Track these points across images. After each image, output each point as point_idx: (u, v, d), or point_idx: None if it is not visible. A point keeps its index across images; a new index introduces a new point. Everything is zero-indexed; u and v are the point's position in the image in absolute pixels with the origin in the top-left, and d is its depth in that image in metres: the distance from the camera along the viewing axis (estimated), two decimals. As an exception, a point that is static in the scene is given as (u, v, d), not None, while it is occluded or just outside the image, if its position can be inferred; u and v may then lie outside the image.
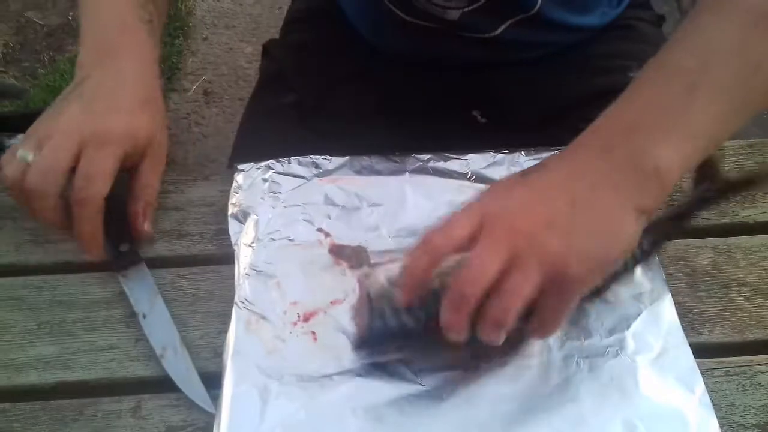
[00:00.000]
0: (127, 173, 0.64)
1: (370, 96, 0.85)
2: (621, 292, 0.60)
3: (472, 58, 0.82)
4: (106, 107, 0.63)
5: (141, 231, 0.64)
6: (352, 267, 0.62)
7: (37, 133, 0.62)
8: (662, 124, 0.50)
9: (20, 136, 1.69)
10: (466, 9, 0.75)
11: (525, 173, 0.52)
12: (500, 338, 0.48)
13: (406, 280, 0.51)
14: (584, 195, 0.49)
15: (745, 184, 0.61)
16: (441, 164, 0.69)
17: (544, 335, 0.54)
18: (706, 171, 0.60)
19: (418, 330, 0.52)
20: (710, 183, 0.60)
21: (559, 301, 0.49)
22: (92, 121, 0.61)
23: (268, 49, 0.95)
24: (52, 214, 0.60)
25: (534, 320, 0.50)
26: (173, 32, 2.10)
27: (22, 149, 0.60)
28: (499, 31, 0.78)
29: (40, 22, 2.18)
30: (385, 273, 0.55)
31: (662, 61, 0.54)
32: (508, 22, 0.77)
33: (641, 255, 0.58)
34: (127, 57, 0.66)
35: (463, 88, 0.84)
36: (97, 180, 0.59)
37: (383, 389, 0.55)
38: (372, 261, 0.62)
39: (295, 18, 0.95)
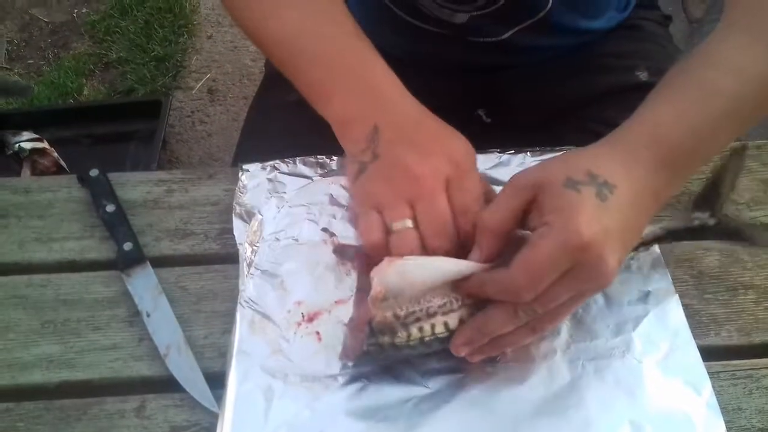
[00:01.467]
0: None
1: None
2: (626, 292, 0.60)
3: (479, 62, 0.82)
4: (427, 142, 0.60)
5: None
6: (356, 267, 0.62)
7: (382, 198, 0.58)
8: (695, 153, 0.54)
9: (25, 134, 1.70)
10: (474, 13, 0.74)
11: (602, 193, 0.50)
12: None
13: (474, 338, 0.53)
14: (638, 223, 0.53)
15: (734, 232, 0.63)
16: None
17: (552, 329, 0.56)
18: (710, 200, 0.62)
19: (412, 357, 0.55)
20: (709, 213, 0.62)
21: (580, 303, 0.53)
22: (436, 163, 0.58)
23: None
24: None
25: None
26: (177, 30, 2.11)
27: (400, 222, 0.56)
28: (506, 35, 0.77)
29: (45, 20, 2.18)
30: (392, 301, 0.52)
31: (701, 79, 0.55)
32: (516, 28, 0.77)
33: None
34: (394, 93, 0.63)
35: (468, 88, 0.84)
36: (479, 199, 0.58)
37: (388, 390, 0.54)
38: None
39: None
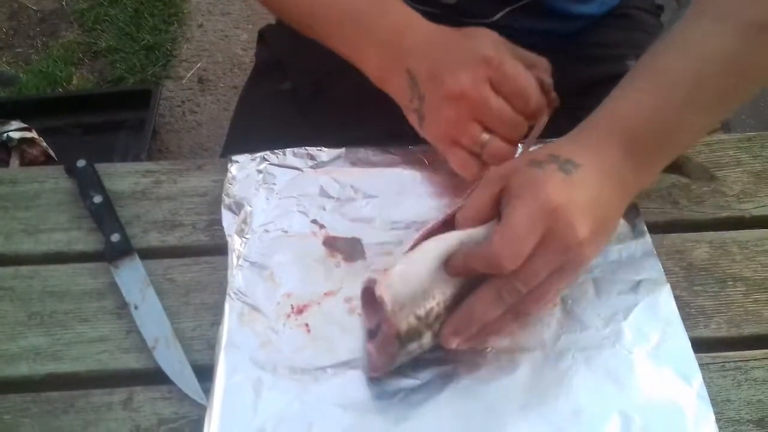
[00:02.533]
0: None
1: (368, 84, 0.84)
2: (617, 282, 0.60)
3: None
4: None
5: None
6: (346, 259, 0.62)
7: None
8: (661, 140, 0.56)
9: (13, 123, 1.69)
10: None
11: (565, 167, 0.53)
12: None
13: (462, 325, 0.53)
14: (610, 200, 0.54)
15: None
16: (438, 157, 0.69)
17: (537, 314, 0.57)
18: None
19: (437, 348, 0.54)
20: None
21: (562, 280, 0.53)
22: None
23: (264, 36, 0.94)
24: None
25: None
26: (167, 19, 2.09)
27: (479, 140, 0.61)
28: (497, 17, 0.77)
29: (34, 8, 2.16)
30: (411, 303, 0.52)
31: (663, 66, 0.57)
32: (507, 9, 0.77)
33: None
34: (413, 27, 0.65)
35: None
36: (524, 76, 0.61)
37: (378, 382, 0.54)
38: (366, 253, 0.62)
39: None
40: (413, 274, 0.53)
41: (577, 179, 0.52)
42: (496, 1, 0.76)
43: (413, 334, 0.52)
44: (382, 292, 0.52)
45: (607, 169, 0.54)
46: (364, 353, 0.55)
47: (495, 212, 0.54)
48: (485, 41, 0.62)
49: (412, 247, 0.55)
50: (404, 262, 0.54)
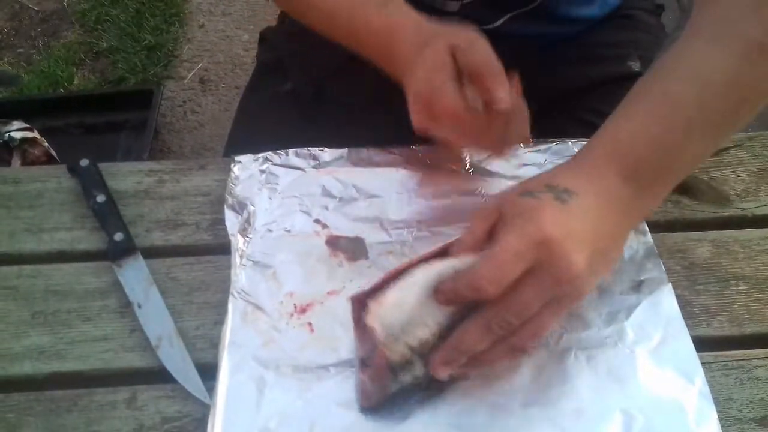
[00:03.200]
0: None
1: (368, 85, 0.84)
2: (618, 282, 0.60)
3: None
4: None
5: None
6: (348, 258, 0.62)
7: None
8: (664, 166, 0.54)
9: (15, 123, 1.69)
10: (465, 1, 0.74)
11: (561, 197, 0.51)
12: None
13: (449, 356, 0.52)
14: (611, 230, 0.52)
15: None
16: (440, 157, 0.69)
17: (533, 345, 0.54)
18: None
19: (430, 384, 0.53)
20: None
21: (559, 314, 0.51)
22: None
23: (265, 37, 0.94)
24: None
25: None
26: (169, 19, 2.09)
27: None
28: (498, 23, 0.77)
29: (35, 8, 2.16)
30: (401, 331, 0.51)
31: (663, 90, 0.55)
32: (508, 15, 0.77)
33: None
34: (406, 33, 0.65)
35: None
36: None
37: (370, 411, 0.54)
38: (369, 253, 0.62)
39: None
40: (405, 303, 0.51)
41: (575, 209, 0.51)
42: (497, 9, 0.76)
43: (406, 365, 0.51)
44: (373, 322, 0.51)
45: (607, 197, 0.52)
46: (357, 382, 0.54)
47: (489, 244, 0.51)
48: (461, 30, 0.62)
49: (402, 273, 0.54)
50: (396, 291, 0.52)
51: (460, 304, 0.51)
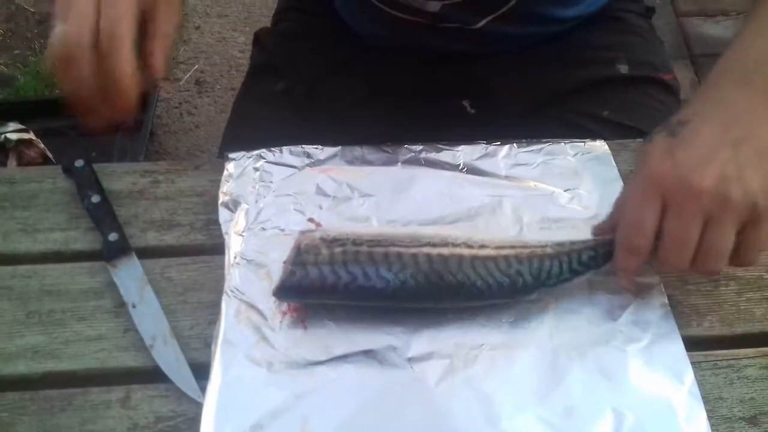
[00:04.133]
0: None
1: (360, 85, 0.85)
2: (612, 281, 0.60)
3: (457, 50, 0.82)
4: None
5: (154, 67, 0.57)
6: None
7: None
8: None
9: (11, 125, 1.69)
10: (446, 2, 0.74)
11: (673, 131, 0.55)
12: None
13: (624, 283, 0.57)
14: (742, 137, 0.53)
15: None
16: (433, 155, 0.69)
17: (746, 265, 0.56)
18: None
19: (338, 288, 0.56)
20: None
21: (756, 236, 0.53)
22: None
23: (259, 38, 0.95)
24: (88, 77, 0.54)
25: (734, 258, 0.54)
26: (165, 21, 2.09)
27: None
28: (480, 24, 0.77)
29: (31, 10, 2.16)
30: (321, 232, 0.59)
31: None
32: (490, 17, 0.77)
33: (593, 262, 0.59)
34: None
35: (452, 78, 0.84)
36: (122, 20, 0.54)
37: (373, 376, 0.55)
38: None
39: (286, 7, 0.95)
40: None
41: (686, 136, 0.54)
42: (478, 11, 0.77)
43: (309, 249, 0.57)
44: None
45: (722, 109, 0.55)
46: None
47: None
48: None
49: None
50: None
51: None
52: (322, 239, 0.58)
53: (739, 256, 0.54)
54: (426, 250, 0.57)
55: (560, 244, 0.59)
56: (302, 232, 0.60)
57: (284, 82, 0.86)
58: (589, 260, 0.58)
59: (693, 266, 0.54)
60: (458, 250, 0.57)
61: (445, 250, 0.57)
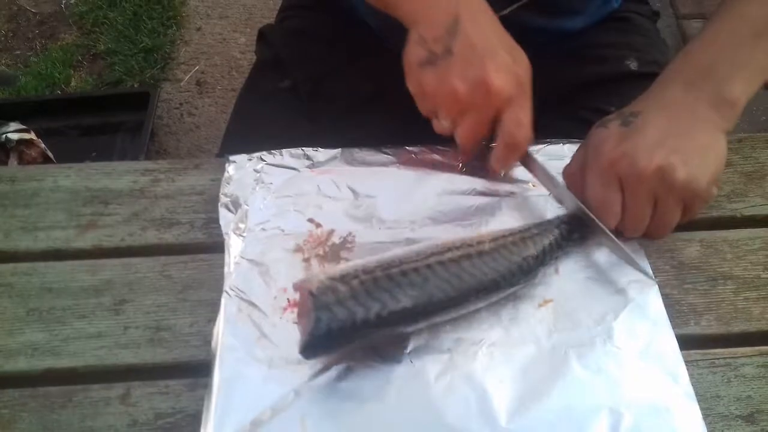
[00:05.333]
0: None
1: (366, 83, 0.85)
2: (610, 279, 0.61)
3: None
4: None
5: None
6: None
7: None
8: (734, 63, 0.61)
9: (12, 124, 1.69)
10: None
11: (626, 120, 0.61)
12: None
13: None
14: (685, 130, 0.60)
15: None
16: (433, 157, 0.70)
17: (657, 237, 0.63)
18: None
19: (369, 320, 0.53)
20: None
21: (693, 212, 0.61)
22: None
23: (264, 34, 0.95)
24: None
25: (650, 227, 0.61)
26: (166, 22, 2.10)
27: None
28: (505, 12, 0.77)
29: (33, 10, 2.17)
30: (324, 273, 0.54)
31: (729, 12, 0.64)
32: (516, 5, 0.77)
33: (563, 240, 0.62)
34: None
35: None
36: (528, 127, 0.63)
37: (373, 371, 0.55)
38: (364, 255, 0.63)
39: (292, 4, 0.95)
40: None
41: (639, 126, 0.59)
42: None
43: (325, 289, 0.53)
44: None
45: (670, 107, 0.61)
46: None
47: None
48: (526, 62, 0.64)
49: None
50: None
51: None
52: (331, 278, 0.54)
53: (657, 226, 0.61)
54: (434, 259, 0.57)
55: (539, 224, 0.62)
56: (300, 282, 0.55)
57: (290, 79, 0.86)
58: (569, 231, 0.63)
59: (646, 233, 0.61)
60: (463, 251, 0.58)
61: (451, 255, 0.57)
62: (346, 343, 0.54)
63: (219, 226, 0.64)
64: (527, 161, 0.66)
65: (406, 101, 0.83)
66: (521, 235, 0.61)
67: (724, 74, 0.61)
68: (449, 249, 0.58)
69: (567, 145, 0.70)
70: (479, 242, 0.59)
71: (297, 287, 0.56)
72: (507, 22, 0.75)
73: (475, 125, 0.62)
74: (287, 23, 0.94)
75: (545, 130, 0.70)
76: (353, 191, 0.67)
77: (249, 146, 0.70)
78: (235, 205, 0.66)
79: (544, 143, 0.70)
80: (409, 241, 0.63)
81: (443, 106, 0.62)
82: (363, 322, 0.53)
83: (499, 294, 0.58)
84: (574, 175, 0.63)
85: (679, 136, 0.59)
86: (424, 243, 0.58)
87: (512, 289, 0.59)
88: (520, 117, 0.62)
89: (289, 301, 0.59)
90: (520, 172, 0.68)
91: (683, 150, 0.58)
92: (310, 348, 0.53)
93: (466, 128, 0.62)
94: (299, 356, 0.55)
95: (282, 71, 0.87)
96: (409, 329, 0.56)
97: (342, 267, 0.55)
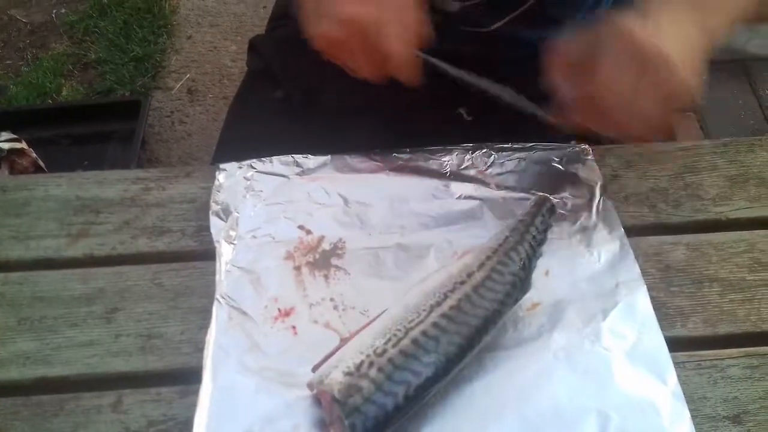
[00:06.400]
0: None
1: (359, 92, 0.85)
2: (600, 281, 0.62)
3: (465, 55, 0.82)
4: None
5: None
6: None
7: None
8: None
9: (3, 134, 1.68)
10: (467, 2, 0.75)
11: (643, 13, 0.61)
12: None
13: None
14: (681, 36, 0.61)
15: None
16: (421, 163, 0.70)
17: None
18: None
19: (399, 405, 0.51)
20: None
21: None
22: None
23: (254, 45, 0.95)
24: None
25: None
26: (157, 30, 2.10)
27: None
28: (497, 26, 0.78)
29: (24, 20, 2.17)
30: (338, 368, 0.52)
31: None
32: (507, 18, 0.78)
33: (539, 234, 0.62)
34: None
35: (449, 86, 0.85)
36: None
37: None
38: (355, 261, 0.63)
39: (282, 13, 0.95)
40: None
41: (653, 23, 0.60)
42: (497, 11, 0.77)
43: (348, 390, 0.50)
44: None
45: (677, 20, 0.61)
46: None
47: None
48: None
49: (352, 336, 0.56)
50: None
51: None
52: (347, 375, 0.51)
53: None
54: (437, 314, 0.55)
55: (513, 229, 0.62)
56: (318, 386, 0.52)
57: (282, 89, 0.86)
58: (542, 226, 0.63)
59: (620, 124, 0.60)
60: (460, 293, 0.56)
61: (451, 302, 0.56)
62: (389, 428, 0.52)
63: (210, 234, 0.65)
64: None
65: (398, 109, 0.83)
66: (503, 250, 0.60)
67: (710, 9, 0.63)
68: (446, 296, 0.56)
69: (554, 151, 0.71)
70: (469, 274, 0.57)
71: (316, 392, 0.53)
72: (498, 37, 0.76)
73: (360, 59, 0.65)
74: (278, 32, 0.94)
75: (531, 141, 0.71)
76: (343, 198, 0.67)
77: (242, 155, 0.70)
78: (225, 212, 0.66)
79: (529, 150, 0.71)
80: (399, 247, 0.64)
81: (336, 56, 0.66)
82: (395, 409, 0.51)
83: (503, 317, 0.57)
84: (575, 66, 0.63)
85: (679, 40, 0.60)
86: (413, 291, 0.57)
87: (515, 307, 0.59)
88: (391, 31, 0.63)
89: (279, 310, 0.59)
90: (506, 177, 0.69)
91: (698, 47, 0.60)
92: None
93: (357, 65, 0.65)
94: (290, 365, 0.56)
95: (274, 82, 0.87)
96: (434, 391, 0.54)
97: (350, 354, 0.53)
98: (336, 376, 0.51)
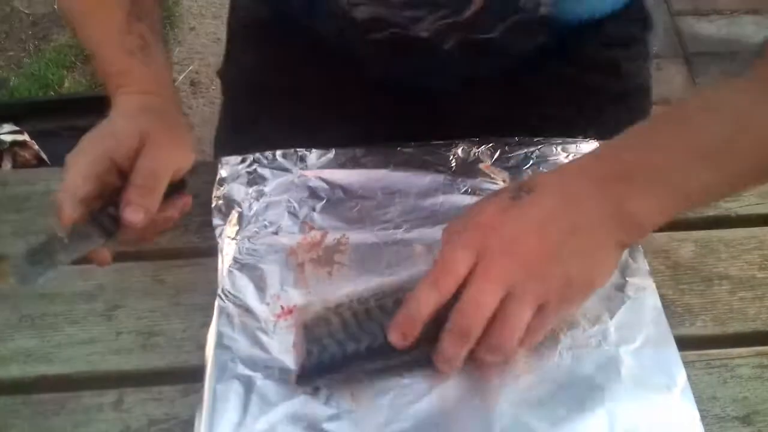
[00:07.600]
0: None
1: (348, 87, 0.83)
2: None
3: (455, 73, 0.79)
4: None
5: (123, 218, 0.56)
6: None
7: None
8: (655, 180, 0.52)
9: (5, 126, 1.68)
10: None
11: (516, 195, 0.53)
12: (500, 360, 0.53)
13: (405, 323, 0.51)
14: (576, 226, 0.51)
15: None
16: (425, 157, 0.69)
17: (525, 346, 0.54)
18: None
19: (360, 352, 0.53)
20: None
21: (546, 323, 0.52)
22: None
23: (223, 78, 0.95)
24: None
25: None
26: (160, 22, 2.09)
27: None
28: (494, 34, 0.74)
29: (26, 11, 2.16)
30: (321, 303, 0.56)
31: (684, 117, 0.55)
32: (504, 25, 0.74)
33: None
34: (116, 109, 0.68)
35: (440, 109, 0.82)
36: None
37: (366, 382, 0.54)
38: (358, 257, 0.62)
39: (238, 45, 0.94)
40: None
41: (527, 203, 0.52)
42: (496, 18, 0.71)
43: (318, 321, 0.55)
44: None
45: (572, 195, 0.52)
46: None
47: None
48: None
49: None
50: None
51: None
52: (326, 308, 0.56)
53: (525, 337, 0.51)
54: None
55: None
56: (300, 309, 0.58)
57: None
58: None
59: (483, 338, 0.50)
60: None
61: None
62: (339, 373, 0.54)
63: (213, 229, 0.64)
64: None
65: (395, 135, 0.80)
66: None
67: (640, 187, 0.52)
68: None
69: (561, 145, 0.70)
70: None
71: (296, 316, 0.57)
72: (496, 44, 0.74)
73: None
74: (243, 60, 0.93)
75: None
76: (346, 192, 0.67)
77: (240, 149, 0.69)
78: (228, 207, 0.65)
79: (536, 145, 0.70)
80: (403, 242, 0.63)
81: None
82: (353, 353, 0.53)
83: None
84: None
85: (565, 234, 0.51)
86: (417, 269, 0.59)
87: None
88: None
89: (282, 308, 0.59)
90: (512, 172, 0.68)
91: (562, 251, 0.50)
92: (302, 378, 0.54)
93: None
94: (293, 363, 0.55)
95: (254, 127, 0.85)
96: (404, 359, 0.54)
97: (339, 296, 0.57)
98: (315, 307, 0.57)
